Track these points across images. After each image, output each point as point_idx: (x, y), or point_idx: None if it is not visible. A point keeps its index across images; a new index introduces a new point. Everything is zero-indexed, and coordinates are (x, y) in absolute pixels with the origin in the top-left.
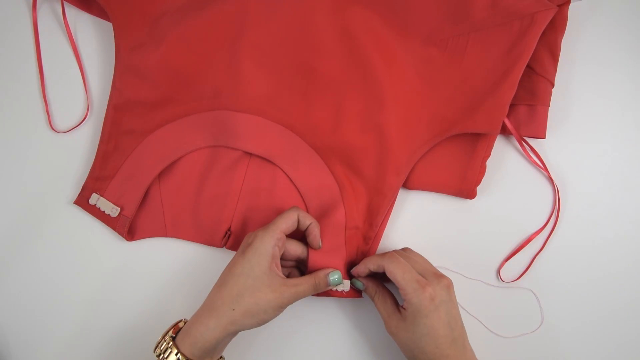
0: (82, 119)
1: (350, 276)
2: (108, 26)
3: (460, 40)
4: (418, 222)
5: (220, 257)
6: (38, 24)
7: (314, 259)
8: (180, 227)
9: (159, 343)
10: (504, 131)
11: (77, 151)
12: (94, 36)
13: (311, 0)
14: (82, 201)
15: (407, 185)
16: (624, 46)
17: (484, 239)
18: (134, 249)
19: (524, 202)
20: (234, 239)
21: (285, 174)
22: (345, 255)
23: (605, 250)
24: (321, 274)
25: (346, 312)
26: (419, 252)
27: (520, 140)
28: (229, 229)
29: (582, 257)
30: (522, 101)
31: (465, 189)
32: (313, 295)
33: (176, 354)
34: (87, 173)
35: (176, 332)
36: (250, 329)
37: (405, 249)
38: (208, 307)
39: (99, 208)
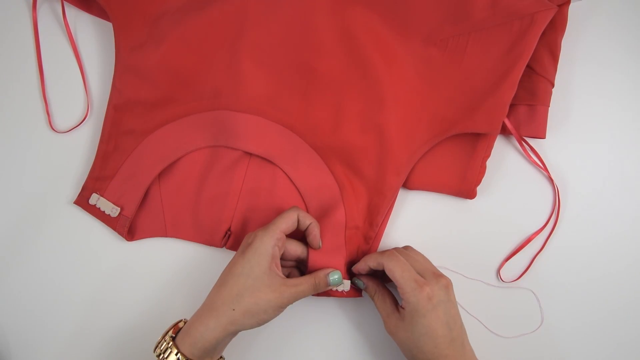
0: (82, 119)
1: (350, 275)
2: (108, 26)
3: (460, 40)
4: (418, 222)
5: (220, 257)
6: (38, 24)
7: (314, 258)
8: (180, 227)
9: (159, 343)
10: (504, 131)
11: (77, 151)
12: (94, 36)
13: (311, 1)
14: (82, 201)
15: (407, 185)
16: (624, 46)
17: (484, 239)
18: (134, 249)
19: (524, 202)
20: (234, 239)
21: (285, 174)
22: (345, 255)
23: (605, 250)
24: (321, 274)
25: (346, 312)
26: (419, 251)
27: (520, 140)
28: (229, 229)
29: (582, 257)
30: (522, 101)
31: (465, 189)
32: (313, 295)
33: (176, 354)
34: (87, 173)
35: (176, 332)
36: (250, 329)
37: (406, 247)
38: (208, 307)
39: (99, 208)
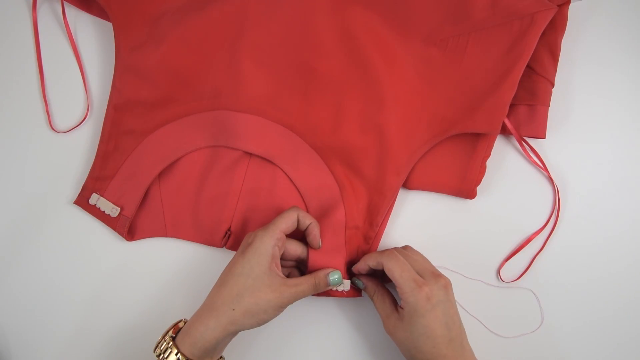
0: (82, 119)
1: (350, 275)
2: (108, 26)
3: (461, 40)
4: (418, 222)
5: (220, 257)
6: (38, 24)
7: (314, 258)
8: (180, 227)
9: (159, 343)
10: (504, 131)
11: (77, 151)
12: (94, 36)
13: (311, 1)
14: (82, 201)
15: (407, 185)
16: (624, 46)
17: (484, 239)
18: (134, 249)
19: (524, 202)
20: (234, 239)
21: (285, 174)
22: (345, 255)
23: (605, 250)
24: (321, 274)
25: (346, 312)
26: (419, 251)
27: (520, 140)
28: (229, 229)
29: (582, 257)
30: (522, 101)
31: (465, 189)
32: (313, 295)
33: (176, 354)
34: (87, 173)
35: (176, 332)
36: (250, 329)
37: (405, 247)
38: (208, 307)
39: (99, 208)
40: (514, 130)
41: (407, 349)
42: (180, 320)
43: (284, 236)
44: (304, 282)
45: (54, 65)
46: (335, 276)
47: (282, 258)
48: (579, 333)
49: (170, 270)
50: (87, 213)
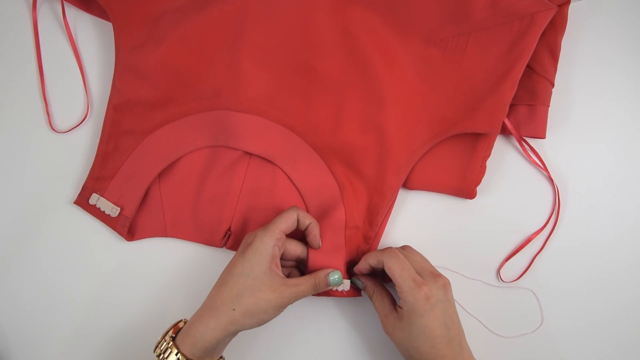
0: (82, 119)
1: (349, 275)
2: (108, 26)
3: (461, 40)
4: (418, 222)
5: (220, 257)
6: (38, 24)
7: (314, 258)
8: (180, 227)
9: (159, 343)
10: (504, 131)
11: (77, 151)
12: (94, 36)
13: (311, 0)
14: (82, 201)
15: (407, 185)
16: (624, 46)
17: (484, 239)
18: (134, 249)
19: (524, 202)
20: (234, 239)
21: (285, 174)
22: (345, 254)
23: (605, 250)
24: (321, 274)
25: (346, 312)
26: (418, 251)
27: (520, 140)
28: (229, 229)
29: (582, 257)
30: (522, 101)
31: (465, 188)
32: (313, 295)
33: (176, 354)
34: (87, 173)
35: (176, 332)
36: (250, 329)
37: (404, 247)
38: (208, 307)
39: (99, 208)
40: (514, 130)
41: (405, 349)
42: (180, 321)
43: (284, 236)
44: (304, 282)
45: (54, 65)
46: (335, 276)
47: (282, 258)
48: (579, 333)
49: (170, 270)
50: (87, 213)
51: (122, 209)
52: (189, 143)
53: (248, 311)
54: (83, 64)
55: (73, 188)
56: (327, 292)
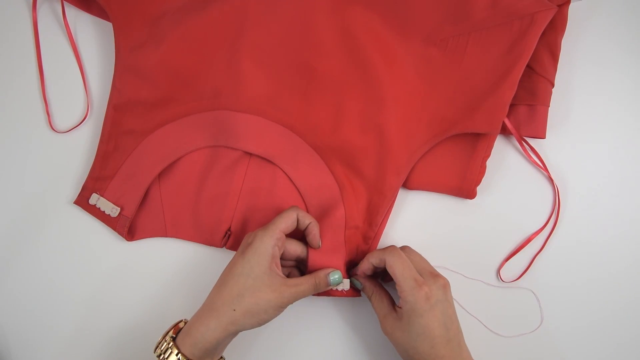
0: (82, 119)
1: (349, 275)
2: (108, 26)
3: (461, 40)
4: (418, 222)
5: (220, 257)
6: (38, 24)
7: (314, 258)
8: (180, 227)
9: (159, 343)
10: (504, 131)
11: (77, 151)
12: (94, 36)
13: (311, 0)
14: (82, 201)
15: (407, 185)
16: (624, 46)
17: (484, 239)
18: (134, 249)
19: (524, 202)
20: (234, 239)
21: (285, 174)
22: (345, 254)
23: (605, 250)
24: (321, 273)
25: (346, 312)
26: (418, 251)
27: (520, 140)
28: (229, 229)
29: (582, 257)
30: (522, 101)
31: (465, 188)
32: (313, 295)
33: (177, 355)
34: (87, 173)
35: (176, 332)
36: (250, 329)
37: (404, 248)
38: (208, 307)
39: (99, 208)
40: (514, 130)
41: (404, 349)
42: (181, 321)
43: (284, 236)
44: (304, 282)
45: (54, 65)
46: (335, 276)
47: (282, 258)
48: (579, 333)
49: (170, 270)
50: (87, 213)
51: (122, 209)
52: (189, 143)
53: (248, 311)
54: (83, 64)
55: (73, 188)
56: (327, 292)
